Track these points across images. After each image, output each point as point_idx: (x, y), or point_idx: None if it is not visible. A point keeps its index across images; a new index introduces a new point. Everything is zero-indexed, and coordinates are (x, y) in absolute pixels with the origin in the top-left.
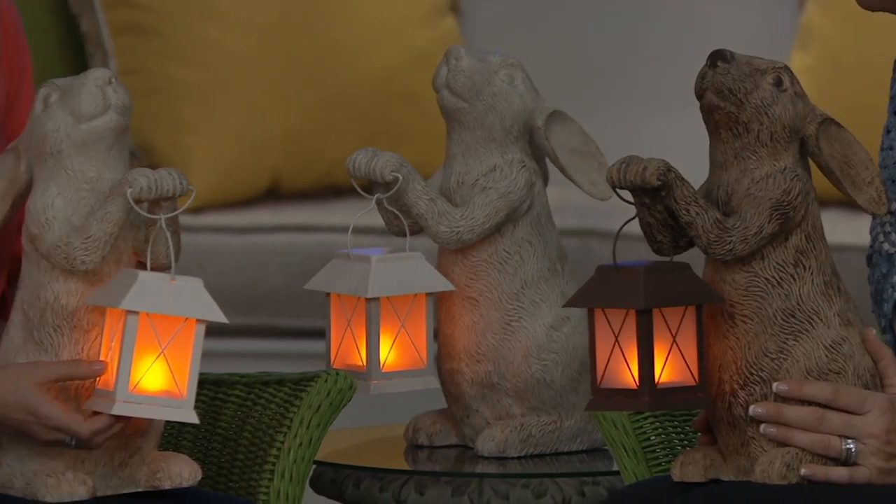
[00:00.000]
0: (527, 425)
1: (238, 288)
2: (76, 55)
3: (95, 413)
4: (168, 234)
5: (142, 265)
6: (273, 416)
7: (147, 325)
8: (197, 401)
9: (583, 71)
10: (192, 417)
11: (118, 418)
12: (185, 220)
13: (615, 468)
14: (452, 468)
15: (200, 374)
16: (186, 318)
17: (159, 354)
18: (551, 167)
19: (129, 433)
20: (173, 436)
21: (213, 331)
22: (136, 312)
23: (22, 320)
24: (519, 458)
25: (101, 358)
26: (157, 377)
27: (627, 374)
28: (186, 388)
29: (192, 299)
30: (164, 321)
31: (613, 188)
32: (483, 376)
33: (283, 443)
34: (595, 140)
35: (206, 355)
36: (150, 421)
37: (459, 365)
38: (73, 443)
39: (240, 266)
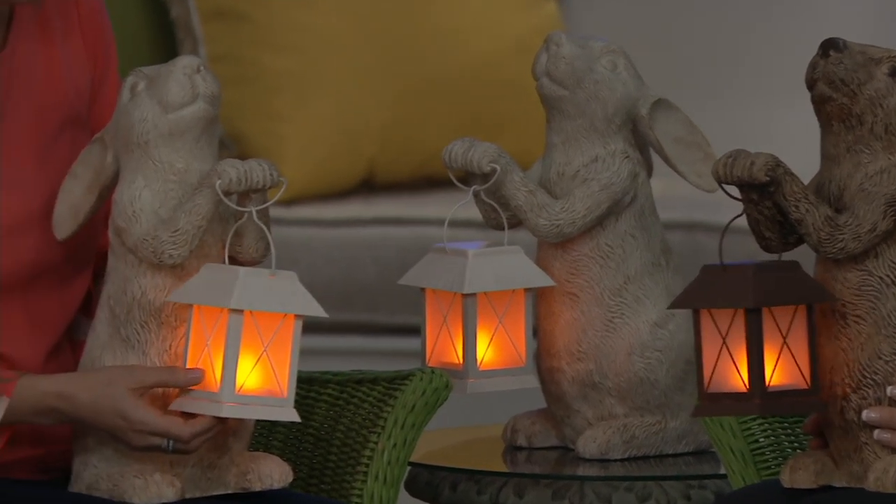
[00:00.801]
0: (630, 426)
1: (331, 283)
2: (165, 42)
3: (189, 414)
4: (262, 227)
5: (232, 260)
6: (366, 416)
7: (250, 322)
8: None
9: (689, 59)
10: (294, 416)
11: (218, 420)
12: (276, 212)
13: (722, 471)
14: (552, 470)
15: None
16: (286, 314)
17: (262, 353)
18: (655, 158)
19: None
20: (263, 436)
21: (304, 327)
22: (241, 311)
23: (108, 317)
24: (622, 460)
25: (190, 356)
26: (258, 376)
27: (736, 376)
28: (287, 386)
29: (291, 294)
30: (264, 318)
31: (719, 183)
32: (584, 375)
33: (376, 443)
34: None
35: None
36: (241, 420)
37: (560, 363)
38: (171, 447)
39: (333, 260)
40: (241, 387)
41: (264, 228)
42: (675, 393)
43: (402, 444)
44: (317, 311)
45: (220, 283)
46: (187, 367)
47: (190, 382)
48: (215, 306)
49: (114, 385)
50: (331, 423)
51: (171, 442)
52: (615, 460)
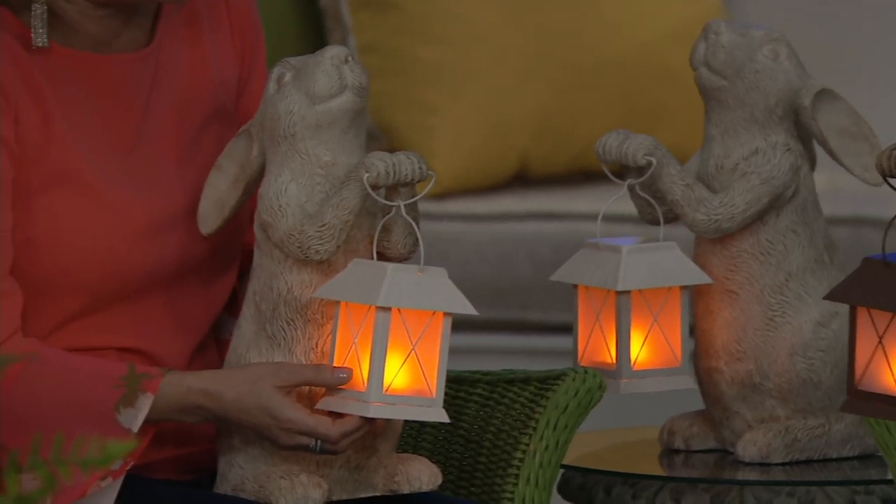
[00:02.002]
0: (792, 429)
1: (483, 279)
2: (314, 32)
3: (336, 414)
4: (411, 222)
5: (380, 255)
6: (517, 417)
7: (398, 320)
8: None
9: (855, 47)
10: (443, 416)
11: (366, 420)
12: (425, 206)
13: (889, 477)
14: (711, 474)
15: None
16: (434, 312)
17: (411, 351)
18: (819, 150)
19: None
20: (412, 437)
21: (453, 324)
22: (389, 308)
23: (254, 313)
24: (783, 464)
25: (337, 354)
26: (406, 375)
27: (889, 378)
28: (436, 385)
29: (440, 291)
30: (413, 316)
31: (883, 176)
32: (744, 376)
33: (528, 445)
34: (868, 122)
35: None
36: (389, 421)
37: (718, 363)
38: (318, 448)
39: (484, 256)
40: (389, 386)
41: (413, 223)
42: (839, 395)
43: (554, 446)
44: (467, 308)
45: (368, 280)
46: (334, 365)
47: (337, 382)
48: (363, 303)
49: (261, 383)
50: (481, 423)
51: (318, 442)
52: (776, 464)
